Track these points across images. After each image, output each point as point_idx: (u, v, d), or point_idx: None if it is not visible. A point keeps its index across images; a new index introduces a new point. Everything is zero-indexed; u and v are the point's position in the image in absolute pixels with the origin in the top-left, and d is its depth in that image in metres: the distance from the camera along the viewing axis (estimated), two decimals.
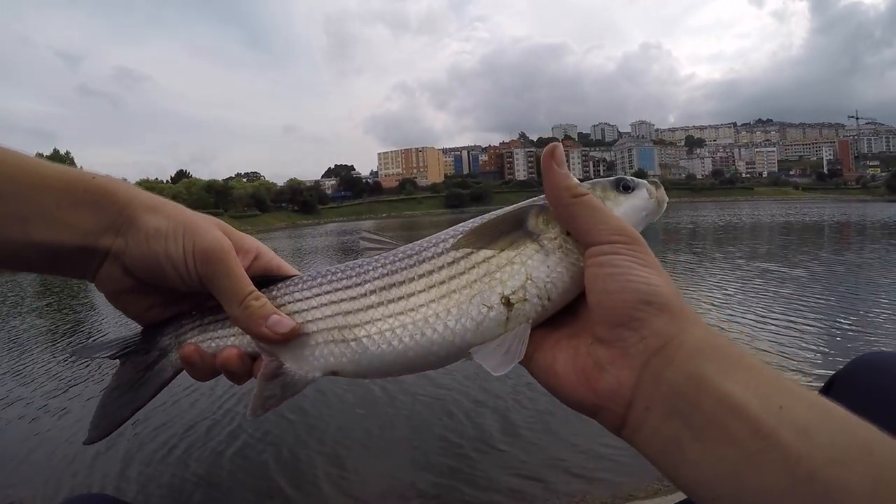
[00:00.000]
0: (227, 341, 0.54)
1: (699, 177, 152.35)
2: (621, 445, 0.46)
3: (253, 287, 0.51)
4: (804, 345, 4.81)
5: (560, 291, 0.46)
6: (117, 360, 0.57)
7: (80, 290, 10.89)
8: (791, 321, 5.59)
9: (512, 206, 0.51)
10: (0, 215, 0.45)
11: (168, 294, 0.54)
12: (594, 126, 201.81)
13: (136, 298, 0.54)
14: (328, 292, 0.51)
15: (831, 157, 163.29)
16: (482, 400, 3.85)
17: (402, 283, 0.49)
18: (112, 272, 0.50)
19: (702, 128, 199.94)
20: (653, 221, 0.51)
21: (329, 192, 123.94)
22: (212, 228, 0.52)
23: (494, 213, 0.51)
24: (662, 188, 0.53)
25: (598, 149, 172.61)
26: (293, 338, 0.50)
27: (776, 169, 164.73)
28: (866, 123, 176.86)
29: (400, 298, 0.48)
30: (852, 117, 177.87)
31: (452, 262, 0.48)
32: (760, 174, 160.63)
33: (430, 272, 0.48)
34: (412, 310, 0.48)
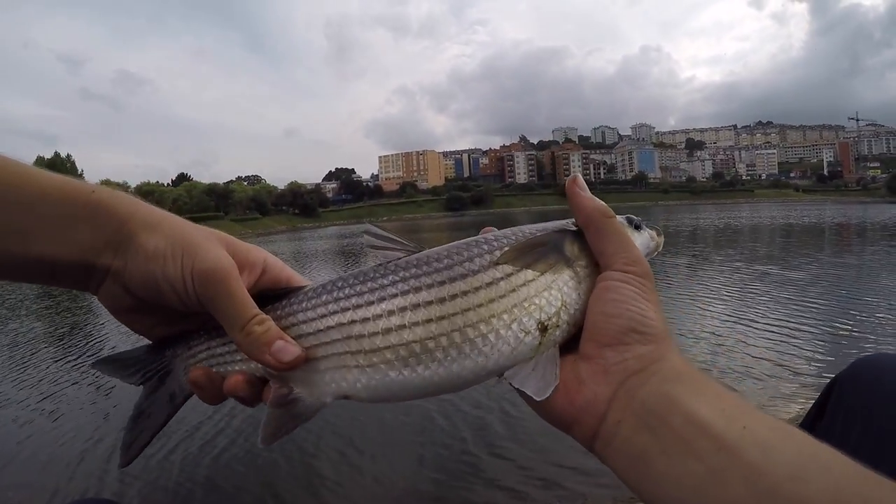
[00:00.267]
0: (234, 366, 0.52)
1: (699, 179, 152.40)
2: None
3: (256, 310, 0.48)
4: (804, 348, 4.79)
5: (582, 318, 0.46)
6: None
7: (78, 293, 10.74)
8: (791, 324, 5.57)
9: (541, 226, 0.50)
10: (0, 226, 0.43)
11: (172, 312, 0.52)
12: (594, 129, 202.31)
13: (140, 316, 0.53)
14: (339, 311, 0.48)
15: (832, 159, 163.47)
16: (482, 403, 3.83)
17: (429, 303, 0.45)
18: (113, 290, 0.49)
19: (702, 130, 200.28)
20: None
21: (330, 195, 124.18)
22: (213, 247, 0.49)
23: (526, 230, 0.50)
24: (663, 236, 0.57)
25: (598, 151, 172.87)
26: (301, 364, 0.48)
27: (776, 171, 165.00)
28: (867, 125, 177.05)
29: (428, 321, 0.45)
30: (852, 119, 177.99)
31: (492, 283, 0.45)
32: (761, 176, 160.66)
33: (466, 292, 0.45)
34: (444, 335, 0.44)
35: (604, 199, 0.49)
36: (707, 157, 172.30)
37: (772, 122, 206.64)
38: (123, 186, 71.48)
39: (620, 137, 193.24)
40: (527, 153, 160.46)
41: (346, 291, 0.48)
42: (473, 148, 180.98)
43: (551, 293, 0.46)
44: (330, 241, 28.81)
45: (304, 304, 0.50)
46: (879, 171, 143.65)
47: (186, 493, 2.99)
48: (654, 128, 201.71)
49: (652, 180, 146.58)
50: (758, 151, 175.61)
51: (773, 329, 5.40)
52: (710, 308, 6.52)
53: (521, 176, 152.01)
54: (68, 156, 75.37)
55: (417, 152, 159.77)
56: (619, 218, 0.51)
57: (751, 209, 51.69)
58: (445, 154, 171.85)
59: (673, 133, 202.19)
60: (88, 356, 5.98)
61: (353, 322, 0.46)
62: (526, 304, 0.45)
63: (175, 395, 0.54)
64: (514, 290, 0.45)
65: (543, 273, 0.46)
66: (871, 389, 0.64)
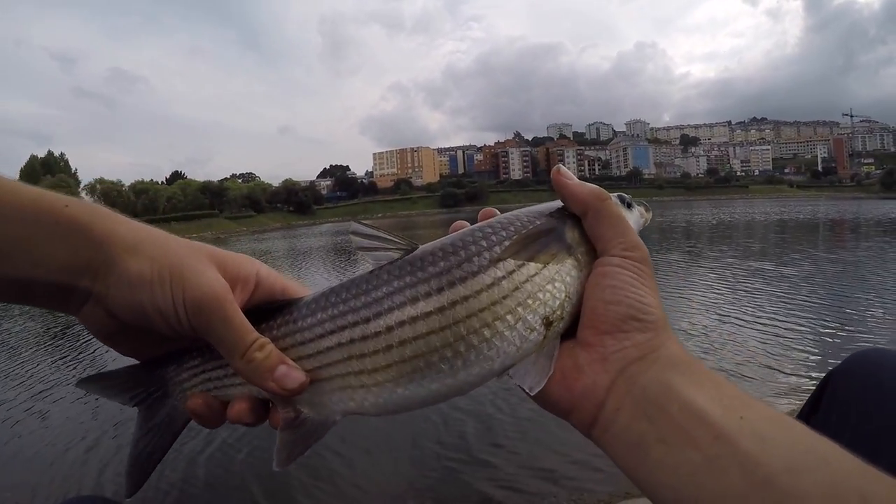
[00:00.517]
0: (234, 389, 0.49)
1: (694, 175, 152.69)
2: None
3: (255, 334, 0.46)
4: (799, 343, 4.81)
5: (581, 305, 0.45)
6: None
7: None
8: (785, 320, 5.60)
9: (536, 210, 0.49)
10: None
11: (161, 334, 0.47)
12: (589, 125, 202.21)
13: (125, 338, 0.49)
14: (337, 330, 0.45)
15: (826, 155, 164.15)
16: (481, 400, 3.83)
17: (429, 314, 0.43)
18: (96, 313, 0.45)
19: (697, 126, 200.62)
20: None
21: (324, 192, 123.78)
22: (204, 270, 0.46)
23: (522, 216, 0.48)
24: (651, 211, 0.57)
25: (593, 148, 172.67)
26: (305, 389, 0.46)
27: (771, 167, 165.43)
28: (861, 121, 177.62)
29: (430, 333, 0.43)
30: (847, 115, 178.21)
31: (493, 284, 0.43)
32: (755, 172, 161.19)
33: (467, 297, 0.43)
34: (447, 346, 0.42)
35: None
36: (702, 153, 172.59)
37: (766, 119, 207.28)
38: (118, 185, 71.88)
39: (615, 134, 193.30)
40: (521, 150, 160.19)
41: (341, 308, 0.46)
42: (468, 144, 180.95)
43: (555, 285, 0.44)
44: (324, 239, 28.79)
45: (300, 324, 0.47)
46: (874, 167, 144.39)
47: (183, 491, 2.98)
48: (648, 124, 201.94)
49: (647, 176, 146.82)
50: (752, 147, 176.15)
51: (767, 326, 5.42)
52: (703, 305, 6.54)
53: (516, 172, 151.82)
54: (62, 154, 75.43)
55: (412, 149, 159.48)
56: (612, 197, 0.49)
57: (745, 205, 51.98)
58: (440, 151, 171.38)
59: (667, 129, 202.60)
60: (81, 356, 5.94)
61: (352, 341, 0.44)
62: (530, 302, 0.43)
63: (174, 421, 0.52)
64: (517, 289, 0.43)
65: (546, 265, 0.44)
66: (865, 384, 0.64)
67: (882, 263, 9.34)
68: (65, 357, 6.00)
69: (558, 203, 0.49)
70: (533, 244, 0.45)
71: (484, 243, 0.45)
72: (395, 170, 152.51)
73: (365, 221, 0.48)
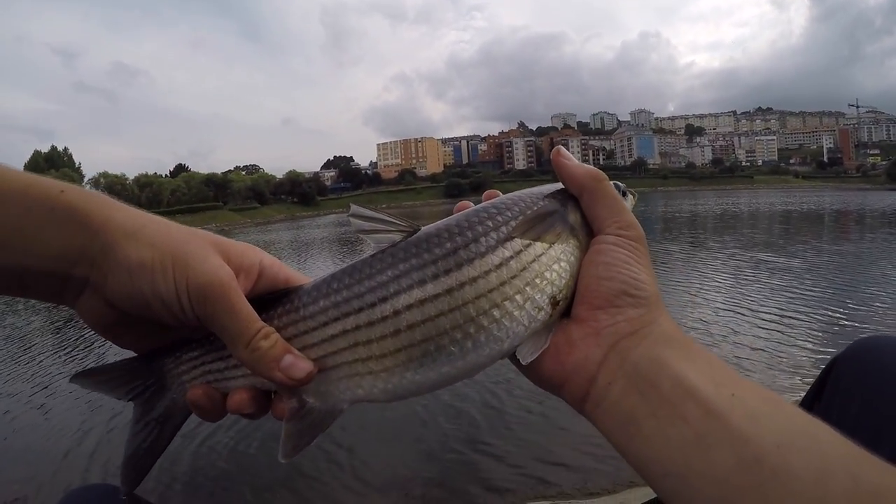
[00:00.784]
0: (235, 381, 0.48)
1: (699, 165, 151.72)
2: None
3: (260, 323, 0.44)
4: (802, 334, 4.81)
5: None
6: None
7: None
8: (788, 311, 5.59)
9: (537, 191, 0.49)
10: None
11: (161, 323, 0.46)
12: (593, 115, 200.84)
13: (125, 330, 0.47)
14: (342, 317, 0.44)
15: (831, 146, 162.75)
16: (483, 391, 3.85)
17: (437, 296, 0.42)
18: (93, 303, 0.44)
19: (701, 116, 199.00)
20: None
21: (328, 183, 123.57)
22: (207, 256, 0.44)
23: (525, 197, 0.48)
24: (637, 196, 0.56)
25: (597, 137, 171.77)
26: (312, 379, 0.45)
27: (776, 157, 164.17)
28: (866, 112, 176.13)
29: (439, 315, 0.42)
30: (852, 106, 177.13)
31: (501, 264, 0.43)
32: (760, 163, 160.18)
33: (476, 279, 0.42)
34: (457, 328, 0.42)
35: None
36: (706, 143, 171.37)
37: (771, 109, 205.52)
38: (122, 178, 71.82)
39: (619, 123, 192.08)
40: (525, 139, 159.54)
41: (345, 294, 0.44)
42: (472, 134, 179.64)
43: (561, 265, 0.44)
44: (328, 230, 28.78)
45: (302, 312, 0.46)
46: (879, 158, 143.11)
47: (187, 480, 3.01)
48: (653, 114, 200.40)
49: (651, 166, 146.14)
50: (757, 138, 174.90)
51: (770, 317, 5.40)
52: (705, 296, 6.52)
53: (520, 162, 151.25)
54: (65, 149, 75.34)
55: (416, 139, 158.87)
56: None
57: (750, 195, 51.74)
58: (444, 141, 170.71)
59: (672, 119, 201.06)
60: (83, 349, 5.99)
61: (358, 327, 0.43)
62: (538, 281, 0.43)
63: (173, 415, 0.50)
64: (524, 269, 0.43)
65: (552, 245, 0.45)
66: (868, 371, 0.63)
67: (887, 255, 9.29)
68: (67, 350, 6.04)
69: (559, 185, 0.49)
70: (539, 224, 0.45)
71: (490, 223, 0.44)
72: (399, 160, 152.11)
73: (363, 205, 0.47)
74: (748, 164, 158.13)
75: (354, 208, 0.47)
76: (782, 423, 0.34)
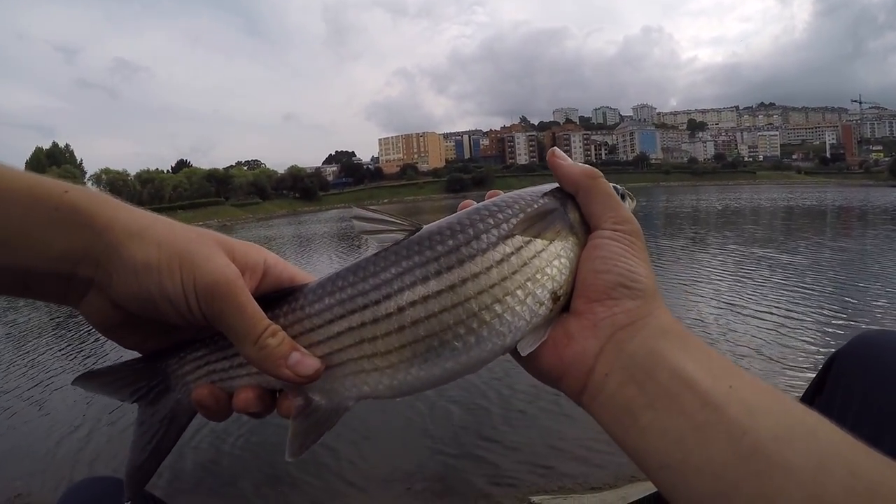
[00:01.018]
0: (241, 380, 0.48)
1: (701, 160, 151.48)
2: None
3: (267, 321, 0.45)
4: (803, 331, 4.81)
5: None
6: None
7: None
8: (789, 307, 5.59)
9: (537, 190, 0.50)
10: None
11: (166, 324, 0.46)
12: (595, 110, 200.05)
13: (130, 331, 0.47)
14: (347, 314, 0.45)
15: (834, 142, 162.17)
16: (483, 388, 3.86)
17: (440, 292, 0.43)
18: (98, 304, 0.44)
19: (704, 111, 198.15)
20: None
21: (330, 178, 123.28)
22: (213, 255, 0.44)
23: (525, 195, 0.48)
24: (636, 199, 0.56)
25: (599, 132, 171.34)
26: (320, 376, 0.45)
27: (779, 153, 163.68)
28: (869, 108, 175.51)
29: (442, 311, 0.42)
30: (855, 101, 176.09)
31: (503, 260, 0.43)
32: (763, 158, 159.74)
33: (478, 274, 0.43)
34: (460, 323, 0.42)
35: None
36: (709, 138, 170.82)
37: (774, 104, 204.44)
38: (123, 174, 71.92)
39: (622, 118, 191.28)
40: (527, 134, 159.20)
41: (349, 292, 0.45)
42: (474, 129, 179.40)
43: (561, 261, 0.45)
44: (330, 225, 28.79)
45: (308, 310, 0.46)
46: (882, 154, 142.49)
47: (190, 473, 3.04)
48: (655, 109, 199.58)
49: (653, 161, 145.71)
50: (760, 133, 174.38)
51: (771, 313, 5.40)
52: (706, 292, 6.52)
53: (522, 157, 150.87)
54: (67, 146, 75.64)
55: (418, 134, 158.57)
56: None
57: (752, 191, 51.49)
58: (446, 136, 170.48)
59: (674, 114, 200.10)
60: (84, 345, 6.02)
61: (363, 325, 0.44)
62: (539, 276, 0.44)
63: (178, 416, 0.50)
64: (525, 265, 0.44)
65: (552, 241, 0.45)
66: (869, 366, 0.63)
67: (889, 251, 9.29)
68: (69, 347, 6.06)
69: (557, 184, 0.50)
70: (539, 222, 0.46)
71: (491, 220, 0.45)
72: (400, 155, 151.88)
73: (364, 206, 0.48)
74: (750, 159, 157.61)
75: (356, 211, 0.47)
76: (780, 415, 0.34)
